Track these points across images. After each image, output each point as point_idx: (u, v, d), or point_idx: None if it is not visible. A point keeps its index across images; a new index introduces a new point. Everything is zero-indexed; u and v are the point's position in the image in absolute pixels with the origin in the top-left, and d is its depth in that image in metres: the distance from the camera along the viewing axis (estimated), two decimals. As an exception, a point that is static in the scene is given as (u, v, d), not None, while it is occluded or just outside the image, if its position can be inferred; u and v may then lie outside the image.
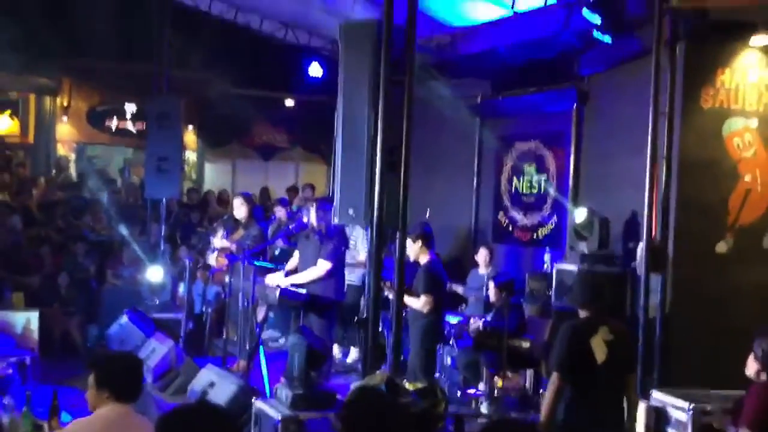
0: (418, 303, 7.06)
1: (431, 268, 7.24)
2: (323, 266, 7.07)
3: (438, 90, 10.19)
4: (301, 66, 12.41)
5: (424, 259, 7.18)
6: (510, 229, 10.39)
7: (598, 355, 4.77)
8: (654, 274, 6.76)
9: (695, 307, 6.97)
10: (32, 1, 13.08)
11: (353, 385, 5.24)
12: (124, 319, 8.58)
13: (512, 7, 8.69)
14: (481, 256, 9.13)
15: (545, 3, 8.56)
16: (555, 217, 9.66)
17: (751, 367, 4.64)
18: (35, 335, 8.27)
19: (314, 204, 7.58)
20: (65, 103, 15.09)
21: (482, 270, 9.05)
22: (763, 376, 4.59)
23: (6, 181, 13.54)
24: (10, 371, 6.74)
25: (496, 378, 7.18)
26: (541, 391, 7.50)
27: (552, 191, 9.68)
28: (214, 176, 16.55)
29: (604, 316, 4.96)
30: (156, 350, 7.74)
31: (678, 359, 6.88)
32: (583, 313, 4.99)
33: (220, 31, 12.27)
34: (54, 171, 14.85)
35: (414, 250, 7.07)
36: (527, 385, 7.56)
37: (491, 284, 7.75)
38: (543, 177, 9.88)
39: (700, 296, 7.02)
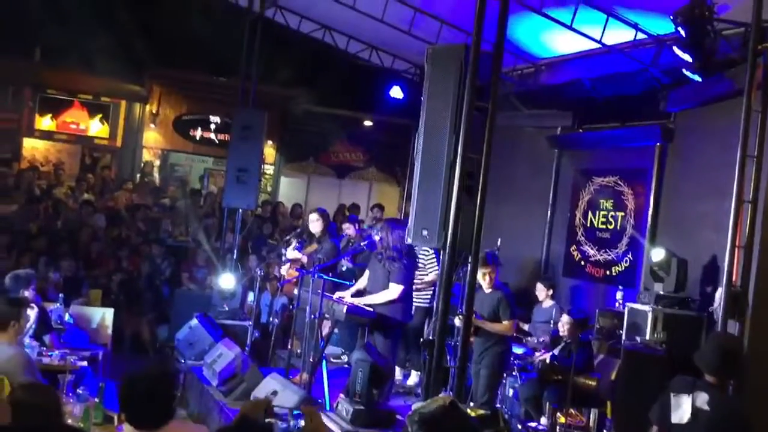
0: (501, 327, 6.96)
1: (510, 294, 7.18)
2: (396, 290, 7.02)
3: (518, 119, 10.16)
4: (382, 87, 12.53)
5: (490, 285, 7.12)
6: (582, 263, 10.22)
7: (675, 414, 4.25)
8: (732, 320, 6.54)
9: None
10: (127, 11, 13.63)
11: (414, 406, 5.22)
12: (194, 322, 8.75)
13: (600, 41, 8.61)
14: (539, 291, 9.01)
15: (635, 37, 8.46)
16: (630, 255, 9.46)
17: None
18: (108, 331, 8.49)
19: (387, 224, 7.58)
20: (154, 111, 15.63)
21: (545, 304, 8.93)
22: None
23: (91, 183, 14.10)
24: (85, 363, 6.95)
25: (558, 414, 7.05)
26: (603, 431, 7.34)
27: (629, 228, 9.50)
28: (289, 190, 16.81)
29: (720, 384, 4.25)
30: (223, 355, 7.86)
31: (752, 410, 6.61)
32: (709, 378, 4.26)
33: (307, 49, 12.51)
34: (138, 175, 15.36)
35: (487, 277, 7.02)
36: (590, 423, 7.40)
37: (566, 317, 7.55)
38: (620, 214, 9.70)
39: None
